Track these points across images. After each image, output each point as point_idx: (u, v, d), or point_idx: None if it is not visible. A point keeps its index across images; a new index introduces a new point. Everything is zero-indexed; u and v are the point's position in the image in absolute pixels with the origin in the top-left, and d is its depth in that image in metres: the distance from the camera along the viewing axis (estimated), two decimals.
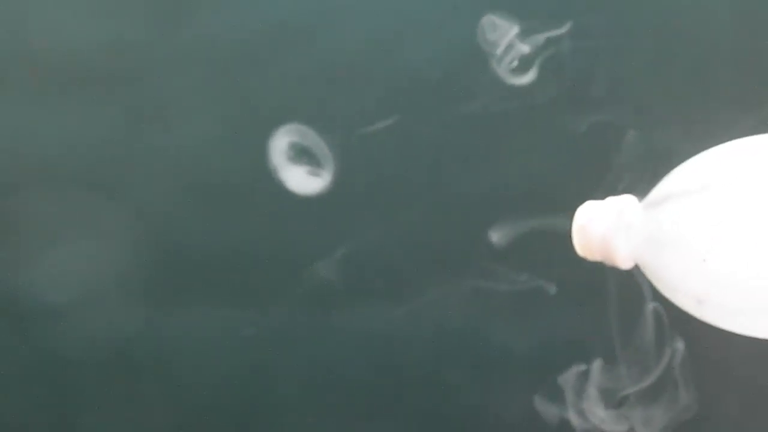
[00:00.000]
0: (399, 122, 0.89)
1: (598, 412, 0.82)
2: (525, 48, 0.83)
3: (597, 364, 0.82)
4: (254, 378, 0.93)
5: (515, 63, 0.83)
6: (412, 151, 0.91)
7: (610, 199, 0.53)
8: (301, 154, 0.85)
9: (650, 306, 0.77)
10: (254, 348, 0.92)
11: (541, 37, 0.84)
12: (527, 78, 0.84)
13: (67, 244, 0.91)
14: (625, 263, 0.52)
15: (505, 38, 0.83)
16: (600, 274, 0.62)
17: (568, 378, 0.83)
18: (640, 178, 0.58)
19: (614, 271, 0.55)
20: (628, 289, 0.71)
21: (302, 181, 0.86)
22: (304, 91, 0.91)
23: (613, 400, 0.82)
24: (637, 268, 0.53)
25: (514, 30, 0.83)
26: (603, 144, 0.82)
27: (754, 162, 0.49)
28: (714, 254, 0.48)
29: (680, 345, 0.80)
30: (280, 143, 0.85)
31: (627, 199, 0.53)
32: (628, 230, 0.51)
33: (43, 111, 0.91)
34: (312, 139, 0.85)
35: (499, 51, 0.83)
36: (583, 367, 0.82)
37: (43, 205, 0.91)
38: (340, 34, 0.91)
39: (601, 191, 0.57)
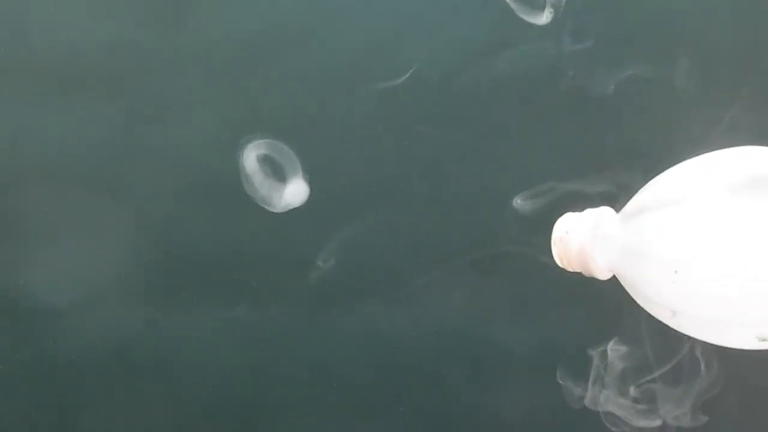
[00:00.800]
0: (399, 122, 0.89)
1: (619, 396, 0.82)
2: None
3: (616, 349, 0.82)
4: (254, 378, 0.93)
5: None
6: (414, 149, 0.90)
7: (588, 211, 0.53)
8: (277, 165, 0.86)
9: None
10: (254, 348, 0.93)
11: None
12: (543, 18, 0.83)
13: (67, 244, 0.92)
14: (602, 274, 0.53)
15: None
16: None
17: (589, 362, 0.83)
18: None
19: None
20: None
21: (296, 190, 0.86)
22: (304, 91, 0.91)
23: (636, 383, 0.81)
24: (615, 278, 0.53)
25: None
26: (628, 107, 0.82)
27: (727, 175, 0.48)
28: (686, 266, 0.48)
29: None
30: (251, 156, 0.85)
31: (604, 211, 0.53)
32: (605, 242, 0.51)
33: (43, 111, 0.91)
34: (285, 151, 0.85)
35: None
36: (602, 348, 0.82)
37: (43, 205, 0.91)
38: (340, 34, 0.91)
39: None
